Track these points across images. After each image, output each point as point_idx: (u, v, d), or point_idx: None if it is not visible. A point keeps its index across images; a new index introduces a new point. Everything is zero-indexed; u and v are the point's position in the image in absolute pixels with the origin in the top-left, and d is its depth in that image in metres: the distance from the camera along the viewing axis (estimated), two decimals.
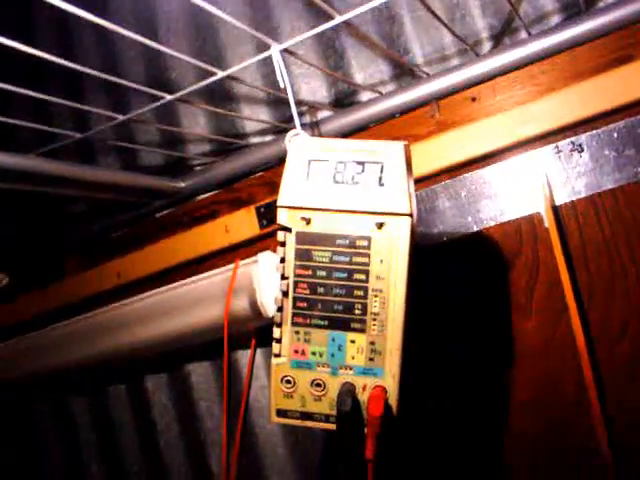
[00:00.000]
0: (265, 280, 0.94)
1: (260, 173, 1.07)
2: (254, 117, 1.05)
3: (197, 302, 1.01)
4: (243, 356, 1.09)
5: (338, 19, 0.66)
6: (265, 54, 0.70)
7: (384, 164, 0.60)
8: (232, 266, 0.99)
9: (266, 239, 1.02)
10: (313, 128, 1.00)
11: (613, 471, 0.78)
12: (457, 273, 0.91)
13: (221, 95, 1.10)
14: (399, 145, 0.60)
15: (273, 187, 1.04)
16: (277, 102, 1.07)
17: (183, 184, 1.12)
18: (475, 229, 0.89)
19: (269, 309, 0.93)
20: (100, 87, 1.20)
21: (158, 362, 1.16)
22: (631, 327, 0.81)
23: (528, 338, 0.87)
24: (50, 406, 1.33)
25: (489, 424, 0.89)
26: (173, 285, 1.05)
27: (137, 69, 1.16)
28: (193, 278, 1.04)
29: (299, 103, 1.03)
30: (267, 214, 1.01)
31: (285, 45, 0.69)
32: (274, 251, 0.94)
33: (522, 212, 0.87)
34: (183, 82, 1.11)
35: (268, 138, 1.07)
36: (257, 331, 1.04)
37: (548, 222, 0.84)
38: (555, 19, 0.88)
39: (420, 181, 0.92)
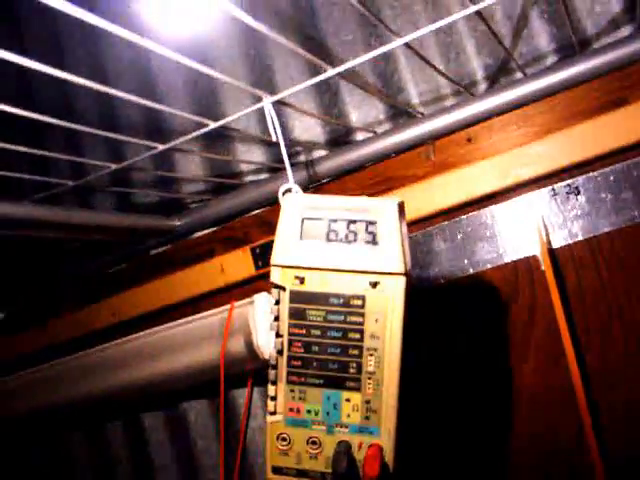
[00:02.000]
0: (261, 322, 0.93)
1: (255, 212, 1.07)
2: (248, 159, 1.05)
3: (193, 342, 1.00)
4: (240, 395, 1.08)
5: (330, 72, 0.66)
6: (257, 106, 0.70)
7: (378, 222, 0.59)
8: (228, 307, 0.98)
9: (261, 279, 1.02)
10: (308, 167, 0.99)
11: None
12: (454, 315, 0.90)
13: (216, 137, 1.10)
14: (393, 202, 0.59)
15: (268, 226, 1.03)
16: (271, 143, 1.06)
17: (178, 222, 1.11)
18: (471, 271, 0.89)
19: (265, 351, 0.92)
20: (97, 138, 1.20)
21: (155, 401, 1.15)
22: (628, 372, 0.80)
23: (526, 381, 0.86)
24: (45, 445, 1.32)
25: (487, 471, 0.88)
26: (168, 325, 1.04)
27: (134, 119, 1.16)
28: (189, 318, 1.03)
29: (293, 145, 1.02)
30: (262, 255, 1.00)
31: (277, 97, 0.69)
32: (270, 292, 0.93)
33: (519, 255, 0.86)
34: (179, 130, 1.12)
35: (263, 176, 1.07)
36: (254, 371, 1.03)
37: (545, 265, 0.83)
38: (550, 60, 0.88)
39: (416, 223, 0.91)
